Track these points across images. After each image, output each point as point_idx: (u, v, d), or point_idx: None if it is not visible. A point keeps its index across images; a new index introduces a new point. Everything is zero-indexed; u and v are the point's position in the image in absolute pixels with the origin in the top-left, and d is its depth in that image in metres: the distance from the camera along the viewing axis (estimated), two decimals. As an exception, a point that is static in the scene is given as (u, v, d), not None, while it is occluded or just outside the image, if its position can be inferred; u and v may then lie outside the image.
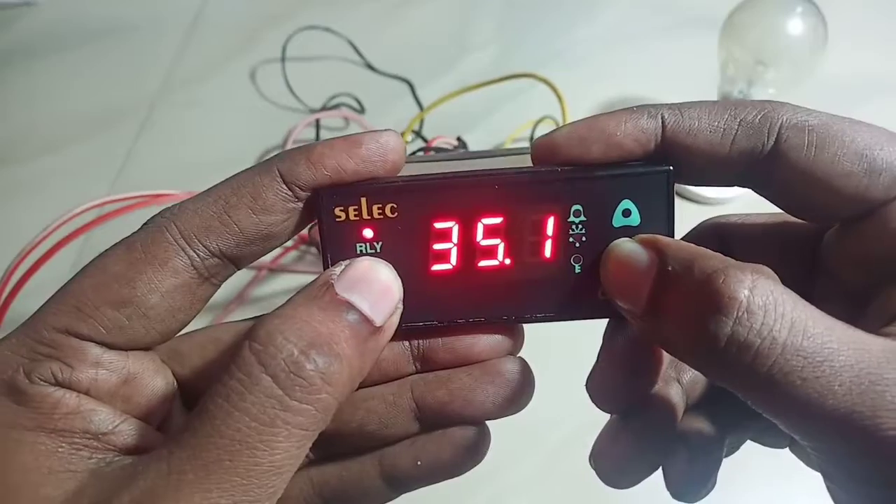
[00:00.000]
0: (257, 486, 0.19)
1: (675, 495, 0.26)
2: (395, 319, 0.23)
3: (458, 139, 0.63)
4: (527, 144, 0.67)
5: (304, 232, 0.57)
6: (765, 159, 0.22)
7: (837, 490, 0.20)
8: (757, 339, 0.18)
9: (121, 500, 0.18)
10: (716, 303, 0.18)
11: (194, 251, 0.22)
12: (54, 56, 0.78)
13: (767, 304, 0.18)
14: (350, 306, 0.21)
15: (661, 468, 0.26)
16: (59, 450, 0.20)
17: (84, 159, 0.68)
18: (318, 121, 0.69)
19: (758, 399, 0.19)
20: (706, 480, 0.26)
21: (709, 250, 0.20)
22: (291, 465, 0.20)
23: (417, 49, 0.78)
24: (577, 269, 0.24)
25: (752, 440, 0.28)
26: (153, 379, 0.24)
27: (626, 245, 0.23)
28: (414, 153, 0.62)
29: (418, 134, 0.66)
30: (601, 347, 0.25)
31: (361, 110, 0.70)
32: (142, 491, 0.18)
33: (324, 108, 0.70)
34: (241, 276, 0.58)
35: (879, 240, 0.22)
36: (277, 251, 0.58)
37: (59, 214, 0.61)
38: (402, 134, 0.63)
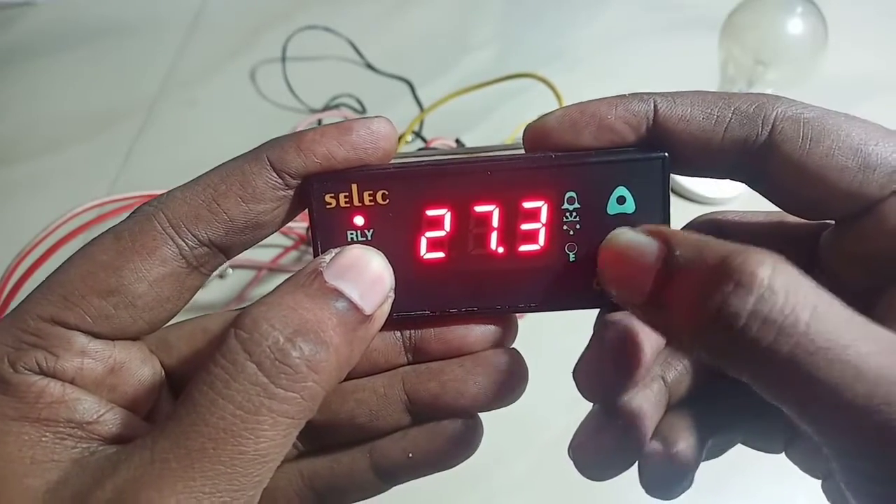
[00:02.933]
0: (242, 475, 0.18)
1: (648, 491, 0.26)
2: (386, 309, 0.23)
3: (457, 141, 0.63)
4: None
5: (304, 232, 0.58)
6: (758, 151, 0.22)
7: (845, 490, 0.19)
8: (780, 316, 0.17)
9: (104, 488, 0.18)
10: (736, 279, 0.18)
11: (183, 240, 0.22)
12: (54, 56, 0.78)
13: (789, 285, 0.17)
14: (339, 294, 0.21)
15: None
16: (43, 439, 0.20)
17: (84, 159, 0.68)
18: (319, 121, 0.69)
19: (775, 384, 0.18)
20: (681, 479, 0.25)
21: (718, 239, 0.20)
22: (277, 453, 0.19)
23: (417, 49, 0.78)
24: (572, 258, 0.24)
25: (745, 444, 0.27)
26: (140, 368, 0.23)
27: (628, 234, 0.22)
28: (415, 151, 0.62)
29: (418, 134, 0.66)
30: (591, 338, 0.25)
31: (362, 110, 0.71)
32: (124, 479, 0.18)
33: (324, 109, 0.70)
34: (240, 277, 0.58)
35: (876, 238, 0.22)
36: (277, 251, 0.58)
37: (59, 214, 0.62)
38: (403, 134, 0.63)
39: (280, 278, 0.58)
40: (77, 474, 0.20)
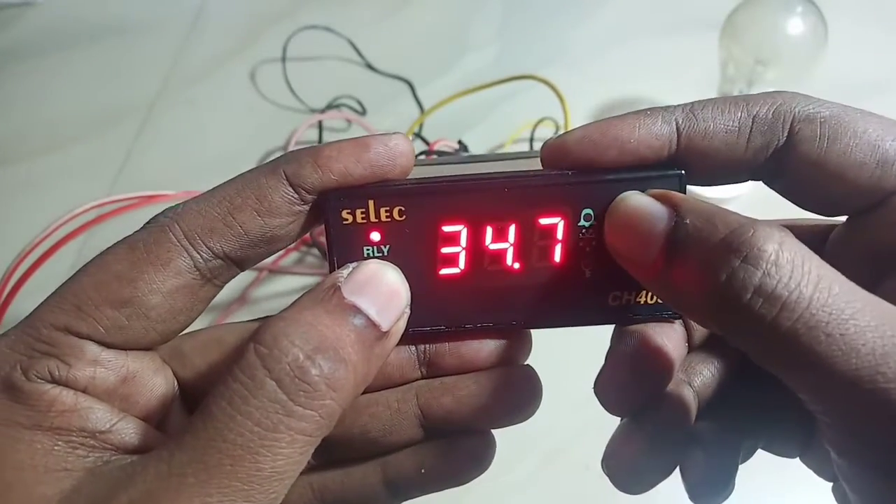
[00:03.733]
0: (259, 492, 0.18)
1: (693, 497, 0.25)
2: (402, 324, 0.23)
3: (460, 142, 0.63)
4: (526, 146, 0.67)
5: (307, 234, 0.57)
6: (778, 152, 0.22)
7: (843, 470, 0.20)
8: (785, 292, 0.17)
9: (119, 500, 0.18)
10: (745, 253, 0.18)
11: (197, 252, 0.22)
12: (54, 56, 0.77)
13: (795, 260, 0.18)
14: (357, 310, 0.21)
15: (678, 471, 0.26)
16: (56, 448, 0.20)
17: (84, 159, 0.68)
18: (320, 122, 0.69)
19: (775, 356, 0.18)
20: (726, 482, 0.25)
21: (725, 209, 0.20)
22: (294, 471, 0.19)
23: (417, 49, 0.78)
24: (588, 274, 0.24)
25: (764, 449, 0.27)
26: (153, 378, 0.23)
27: (636, 197, 0.22)
28: (417, 156, 0.62)
29: (418, 135, 0.66)
30: (609, 350, 0.25)
31: (363, 111, 0.70)
32: (140, 492, 0.18)
33: (325, 110, 0.70)
34: (242, 278, 0.58)
35: (890, 230, 0.22)
36: (279, 252, 0.58)
37: (59, 214, 0.62)
38: (403, 136, 0.63)
39: (281, 280, 0.58)
40: (90, 483, 0.20)
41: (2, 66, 0.76)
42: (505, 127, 0.67)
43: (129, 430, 0.22)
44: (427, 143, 0.65)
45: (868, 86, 0.68)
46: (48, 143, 0.69)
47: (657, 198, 0.22)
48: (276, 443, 0.18)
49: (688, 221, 0.20)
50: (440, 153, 0.62)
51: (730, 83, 0.62)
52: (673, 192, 0.22)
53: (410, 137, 0.64)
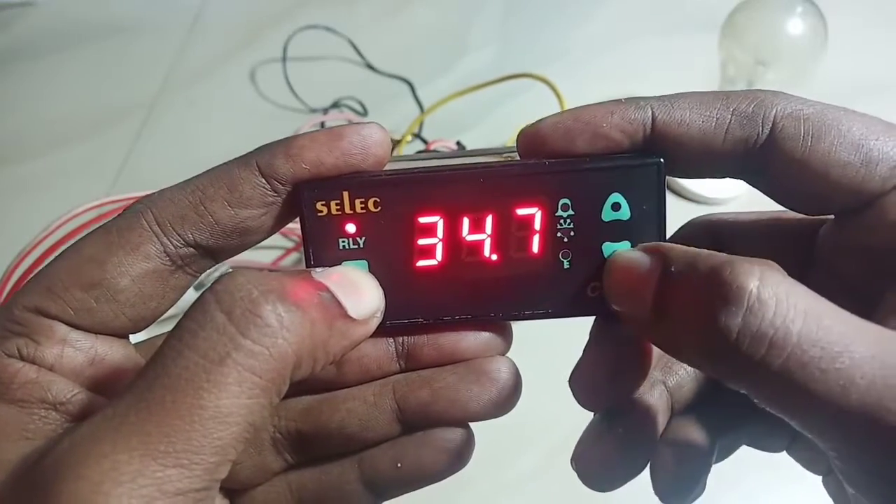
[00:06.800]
0: (200, 434, 0.17)
1: (661, 497, 0.25)
2: (373, 323, 0.22)
3: (458, 143, 0.63)
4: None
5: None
6: (759, 149, 0.22)
7: (847, 488, 0.19)
8: (770, 329, 0.17)
9: (61, 444, 0.18)
10: (724, 294, 0.18)
11: (168, 238, 0.22)
12: (54, 56, 0.78)
13: (779, 295, 0.17)
14: (324, 288, 0.20)
15: (648, 469, 0.25)
16: (16, 418, 0.20)
17: (84, 159, 0.68)
18: (322, 123, 0.69)
19: (773, 397, 0.18)
20: (695, 483, 0.25)
21: (710, 251, 0.20)
22: (240, 416, 0.18)
23: (417, 49, 0.78)
24: (566, 265, 0.24)
25: (749, 445, 0.27)
26: (123, 364, 0.23)
27: (626, 253, 0.23)
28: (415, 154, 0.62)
29: (418, 135, 0.66)
30: (587, 344, 0.25)
31: (363, 111, 0.70)
32: (81, 434, 0.18)
33: (326, 110, 0.70)
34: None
35: (877, 232, 0.22)
36: (278, 252, 0.58)
37: (58, 214, 0.62)
38: (402, 136, 0.63)
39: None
40: (47, 445, 0.20)
41: (2, 66, 0.77)
42: (504, 127, 0.67)
43: (89, 402, 0.21)
44: (426, 143, 0.65)
45: (868, 86, 0.68)
46: (48, 143, 0.69)
47: (646, 251, 0.22)
48: (221, 377, 0.17)
49: (673, 269, 0.20)
50: (434, 152, 0.61)
51: (730, 83, 0.62)
52: (661, 244, 0.22)
53: (409, 137, 0.64)
